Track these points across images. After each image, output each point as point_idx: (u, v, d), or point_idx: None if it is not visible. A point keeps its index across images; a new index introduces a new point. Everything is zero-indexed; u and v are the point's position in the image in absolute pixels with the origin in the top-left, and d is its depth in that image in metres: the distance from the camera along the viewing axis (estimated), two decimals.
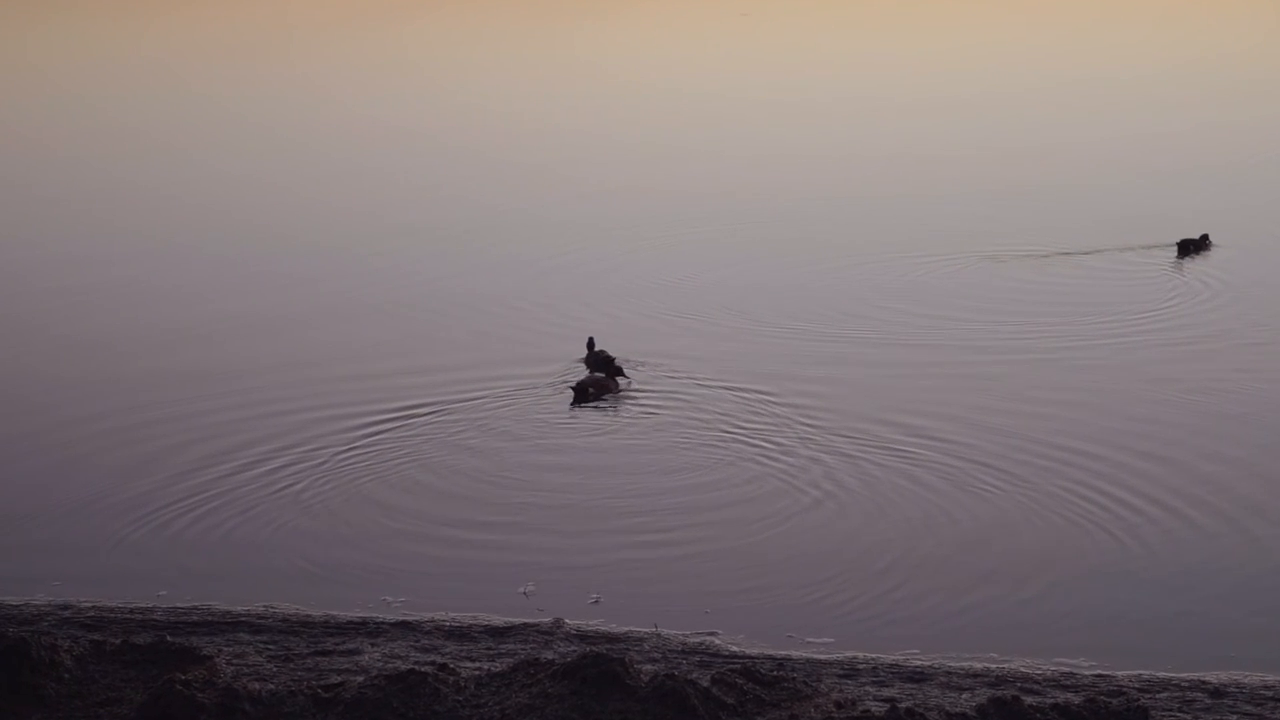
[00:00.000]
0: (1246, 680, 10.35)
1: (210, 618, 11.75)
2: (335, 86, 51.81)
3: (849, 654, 10.94)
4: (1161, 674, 10.48)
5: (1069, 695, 9.79)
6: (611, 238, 27.14)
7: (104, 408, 17.77)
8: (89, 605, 12.06)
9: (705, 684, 8.89)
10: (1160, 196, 29.69)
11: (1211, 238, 24.62)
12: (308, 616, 11.78)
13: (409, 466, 15.40)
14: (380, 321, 21.86)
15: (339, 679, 9.50)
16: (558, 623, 11.58)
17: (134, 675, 9.35)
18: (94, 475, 15.46)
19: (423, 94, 50.12)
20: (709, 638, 11.31)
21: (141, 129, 42.72)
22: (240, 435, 16.48)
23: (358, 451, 15.78)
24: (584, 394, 17.70)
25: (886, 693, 9.92)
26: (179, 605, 12.13)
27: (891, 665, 10.65)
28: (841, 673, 10.38)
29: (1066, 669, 10.63)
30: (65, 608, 11.99)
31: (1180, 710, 9.71)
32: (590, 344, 19.17)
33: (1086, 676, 10.44)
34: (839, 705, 8.91)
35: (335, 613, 11.87)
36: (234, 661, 10.25)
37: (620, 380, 18.02)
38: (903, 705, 8.82)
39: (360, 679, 9.31)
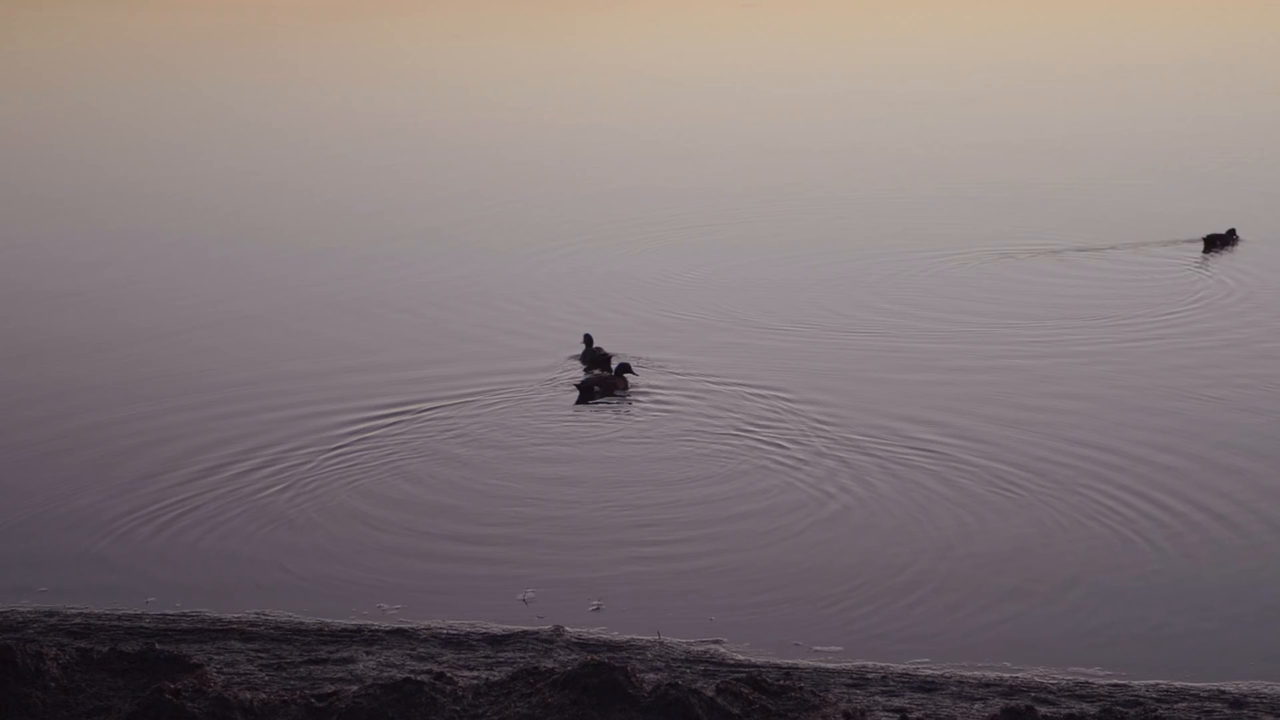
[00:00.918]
0: (1267, 690, 10.34)
1: (200, 625, 11.75)
2: (325, 79, 51.87)
3: (858, 663, 10.92)
4: (1179, 683, 10.46)
5: (1084, 705, 9.78)
6: (614, 233, 27.13)
7: (86, 409, 17.76)
8: (76, 612, 12.06)
9: (710, 694, 8.87)
10: (1185, 190, 29.69)
11: (1238, 232, 24.60)
12: (301, 624, 11.77)
13: (403, 468, 15.39)
14: (372, 318, 21.85)
15: (333, 688, 9.49)
16: (558, 630, 11.56)
17: (122, 684, 9.33)
18: (79, 478, 15.44)
19: (416, 87, 50.17)
20: (713, 646, 11.29)
21: (119, 119, 42.84)
22: (226, 436, 16.47)
23: (349, 453, 15.77)
24: (590, 392, 17.69)
25: (896, 702, 9.91)
26: (168, 612, 12.12)
27: (902, 674, 10.64)
28: (850, 682, 10.37)
29: (1082, 678, 10.61)
30: (51, 614, 11.99)
31: None
32: (588, 340, 19.15)
33: (1102, 686, 10.43)
34: (848, 715, 8.89)
35: (329, 620, 11.87)
36: (225, 670, 10.24)
37: (629, 378, 17.99)
38: (913, 715, 8.81)
39: (355, 688, 9.30)
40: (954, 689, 10.30)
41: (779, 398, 17.21)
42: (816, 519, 13.90)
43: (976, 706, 9.81)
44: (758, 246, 25.92)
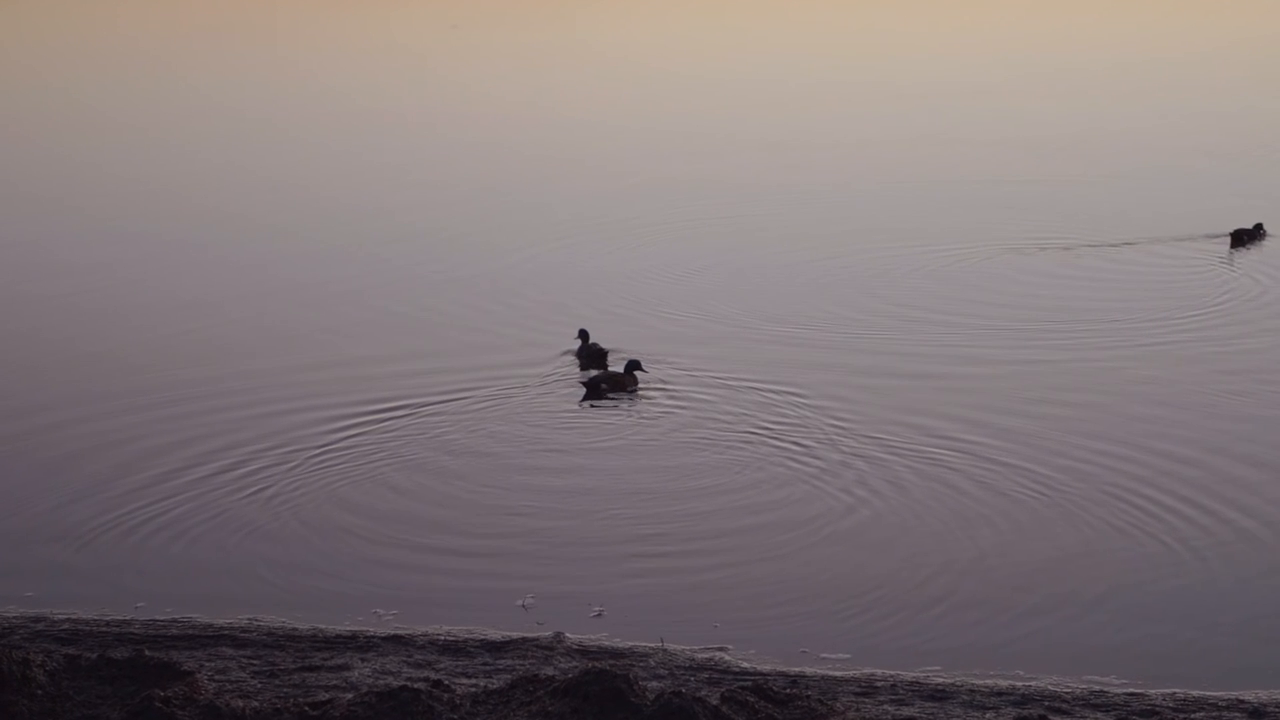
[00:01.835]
0: None
1: (191, 631, 11.73)
2: (325, 70, 51.90)
3: (866, 671, 10.90)
4: (1196, 692, 10.43)
5: (1099, 715, 9.76)
6: (617, 229, 27.14)
7: (71, 408, 17.75)
8: (63, 618, 12.04)
9: (714, 702, 8.85)
10: (1212, 184, 29.69)
11: (1266, 227, 24.56)
12: (294, 630, 11.75)
13: (399, 468, 15.38)
14: (365, 314, 21.86)
15: (327, 696, 9.48)
16: (558, 637, 11.54)
17: (111, 692, 9.31)
18: (65, 479, 15.43)
19: (413, 79, 50.19)
20: (718, 653, 11.27)
21: (107, 111, 42.88)
22: (215, 436, 16.46)
23: (341, 453, 15.76)
24: (597, 389, 17.66)
25: (906, 712, 9.88)
26: (158, 618, 12.10)
27: (911, 683, 10.61)
28: (859, 690, 10.34)
29: (1097, 687, 10.58)
30: (38, 620, 11.97)
31: None
32: (584, 336, 19.13)
33: (1118, 695, 10.39)
34: None
35: (323, 626, 11.84)
36: (216, 677, 10.23)
37: (639, 375, 17.94)
38: None
39: (349, 696, 9.28)
40: (965, 698, 10.27)
41: (793, 396, 17.20)
42: (823, 524, 13.88)
43: (988, 716, 9.79)
44: (777, 240, 25.94)
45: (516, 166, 33.87)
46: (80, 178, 33.66)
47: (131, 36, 66.27)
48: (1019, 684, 10.65)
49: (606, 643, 11.47)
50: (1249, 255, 23.76)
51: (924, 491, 14.43)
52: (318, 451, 15.77)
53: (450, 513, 14.40)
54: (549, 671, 10.18)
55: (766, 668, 10.92)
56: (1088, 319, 20.68)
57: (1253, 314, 20.85)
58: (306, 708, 9.03)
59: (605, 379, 17.81)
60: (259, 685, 10.20)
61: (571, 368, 18.74)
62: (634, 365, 18.00)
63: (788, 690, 9.37)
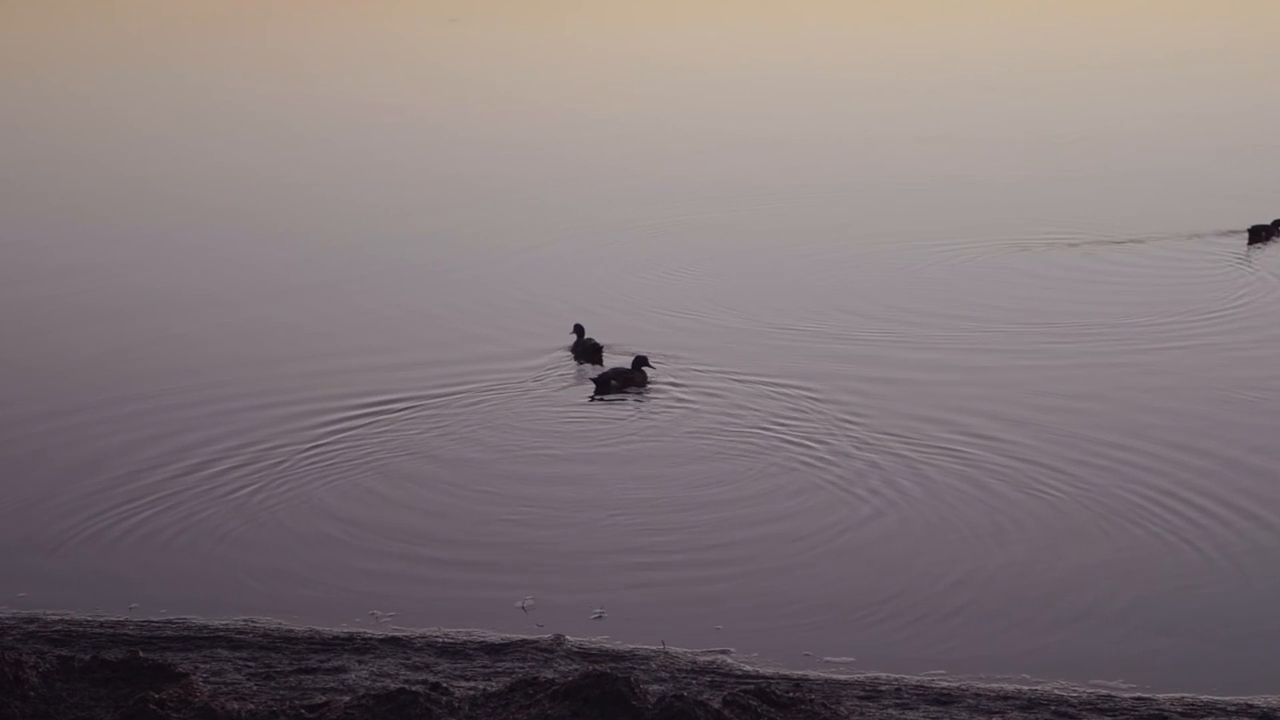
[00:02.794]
0: None
1: (186, 632, 11.74)
2: (319, 64, 51.89)
3: (870, 674, 10.91)
4: (1205, 697, 10.44)
5: None
6: (620, 224, 27.15)
7: (66, 407, 17.76)
8: (56, 618, 12.05)
9: (716, 705, 8.86)
10: (1229, 179, 29.69)
11: None
12: (290, 631, 11.76)
13: (397, 467, 15.39)
14: (360, 311, 21.89)
15: (324, 698, 9.49)
16: (558, 639, 11.56)
17: (105, 694, 9.33)
18: (56, 478, 15.44)
19: (407, 73, 50.19)
20: (720, 656, 11.28)
21: (97, 104, 42.89)
22: (206, 433, 16.47)
23: (338, 451, 15.77)
24: (606, 386, 17.67)
25: (911, 716, 9.90)
26: (152, 619, 12.12)
27: (916, 687, 10.63)
28: (863, 694, 10.36)
29: (1104, 691, 10.59)
30: (31, 621, 11.98)
31: None
32: (579, 331, 19.16)
33: (1126, 699, 10.41)
34: None
35: (320, 627, 11.85)
36: (211, 679, 10.24)
37: (647, 371, 17.95)
38: None
39: (347, 699, 9.30)
40: (970, 702, 10.29)
41: (805, 394, 17.22)
42: (827, 526, 13.89)
43: None
44: (786, 236, 25.97)
45: (512, 161, 33.89)
46: (65, 172, 33.69)
47: (121, 29, 66.26)
48: (1025, 688, 10.67)
49: (607, 645, 11.48)
50: (1267, 251, 23.75)
51: (929, 494, 14.44)
52: (316, 450, 15.79)
53: (449, 512, 14.41)
54: (549, 674, 10.19)
55: (769, 671, 10.93)
56: (1105, 317, 20.68)
57: (1274, 310, 20.84)
58: (303, 710, 9.04)
59: (614, 376, 17.82)
60: (255, 687, 10.21)
61: (568, 364, 18.75)
62: (641, 361, 18.00)
63: (791, 694, 9.38)
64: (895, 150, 34.46)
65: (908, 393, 17.50)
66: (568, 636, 11.62)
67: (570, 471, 15.37)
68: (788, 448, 15.62)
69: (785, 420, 16.42)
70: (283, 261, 24.94)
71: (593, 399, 17.54)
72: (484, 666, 10.96)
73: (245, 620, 12.07)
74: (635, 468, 15.44)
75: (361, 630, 11.83)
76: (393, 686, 9.46)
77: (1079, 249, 24.39)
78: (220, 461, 15.58)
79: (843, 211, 27.90)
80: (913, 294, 22.15)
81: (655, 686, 10.07)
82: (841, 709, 9.36)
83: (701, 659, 11.21)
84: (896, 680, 10.76)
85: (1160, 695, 10.50)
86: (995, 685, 10.70)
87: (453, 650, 11.37)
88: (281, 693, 10.05)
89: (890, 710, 10.03)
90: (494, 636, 11.67)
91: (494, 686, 9.75)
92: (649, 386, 17.80)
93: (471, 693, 9.47)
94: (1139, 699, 10.42)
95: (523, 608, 12.34)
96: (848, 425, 16.23)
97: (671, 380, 18.03)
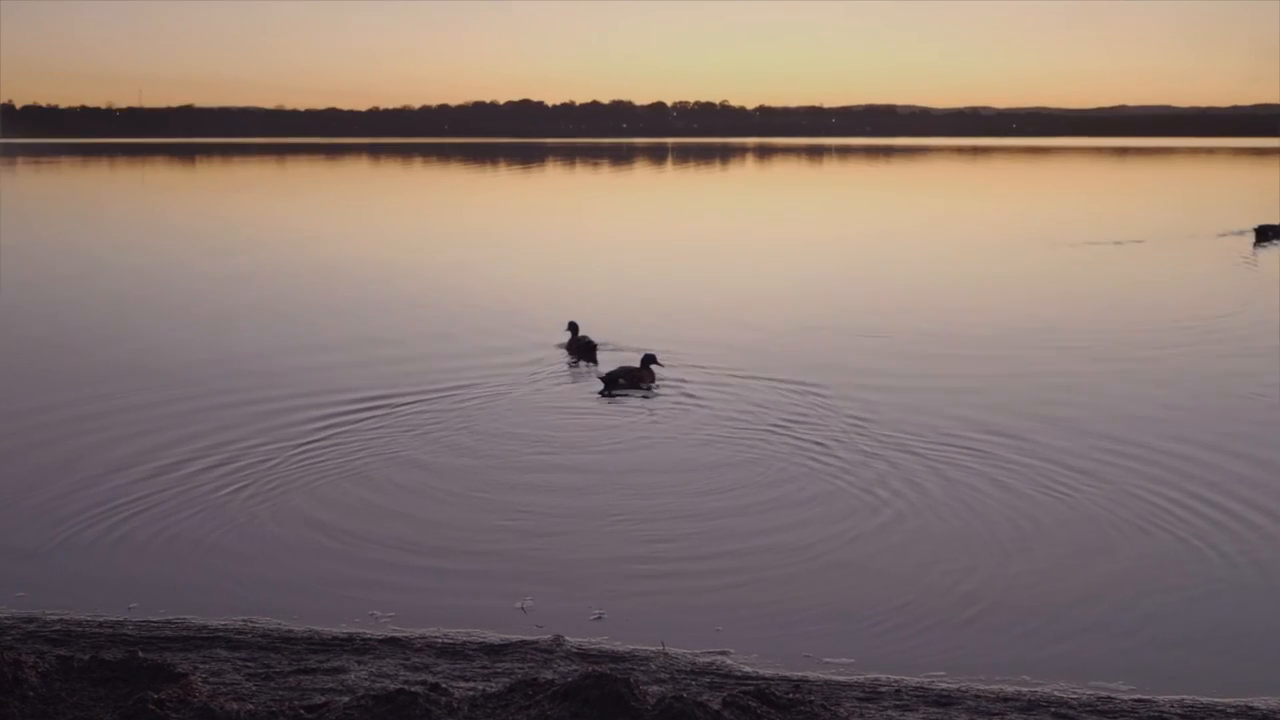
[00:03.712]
0: None
1: (185, 632, 11.80)
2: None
3: (870, 675, 10.97)
4: (1205, 699, 10.50)
5: None
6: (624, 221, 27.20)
7: (64, 406, 17.82)
8: (55, 618, 12.12)
9: (716, 706, 8.92)
10: (1234, 180, 29.73)
11: None
12: (289, 632, 11.82)
13: (396, 466, 15.44)
14: (358, 308, 21.94)
15: (323, 699, 9.55)
16: (558, 640, 11.61)
17: (104, 694, 9.39)
18: (55, 476, 15.51)
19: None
20: (720, 657, 11.34)
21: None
22: (211, 434, 16.52)
23: (337, 449, 15.83)
24: (614, 384, 17.74)
25: (910, 717, 9.97)
26: (151, 619, 12.18)
27: (916, 688, 10.69)
28: (862, 695, 10.42)
29: (1104, 693, 10.65)
30: (29, 620, 12.05)
31: None
32: (574, 328, 19.24)
33: (1126, 701, 10.47)
34: None
35: (319, 628, 11.91)
36: (210, 679, 10.31)
37: (655, 369, 18.02)
38: None
39: (346, 699, 9.36)
40: (970, 703, 10.35)
41: (813, 393, 17.27)
42: (829, 527, 13.95)
43: None
44: (795, 234, 26.02)
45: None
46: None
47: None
48: (1025, 690, 10.73)
49: (607, 646, 11.54)
50: (1273, 251, 23.81)
51: (931, 495, 14.51)
52: (315, 449, 15.85)
53: (450, 513, 14.47)
54: (548, 675, 10.25)
55: (769, 672, 10.99)
56: (1118, 316, 20.75)
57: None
58: (302, 710, 9.10)
59: (622, 374, 17.90)
60: (254, 688, 10.28)
61: (560, 359, 18.80)
62: (650, 359, 18.07)
63: (791, 695, 9.45)
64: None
65: (910, 399, 17.54)
66: (567, 637, 11.67)
67: (572, 470, 15.42)
68: (791, 448, 15.69)
69: (791, 420, 16.48)
70: (281, 264, 24.97)
71: (603, 394, 17.61)
72: (483, 667, 11.02)
73: (244, 620, 12.13)
74: (637, 468, 15.49)
75: (361, 631, 11.89)
76: (392, 687, 9.51)
77: (1091, 248, 24.46)
78: (221, 462, 15.65)
79: (850, 211, 27.95)
80: (924, 295, 22.19)
81: (655, 687, 10.13)
82: (841, 710, 9.42)
83: (701, 660, 11.26)
84: (896, 682, 10.82)
85: (1160, 697, 10.55)
86: (995, 687, 10.76)
87: (452, 651, 11.43)
88: (280, 693, 10.12)
89: (890, 712, 10.09)
90: (493, 637, 11.73)
91: (493, 687, 9.81)
92: (657, 385, 17.87)
93: (471, 693, 9.53)
94: (1139, 701, 10.48)
95: (522, 608, 12.40)
96: (855, 426, 16.28)
97: (679, 379, 18.10)
